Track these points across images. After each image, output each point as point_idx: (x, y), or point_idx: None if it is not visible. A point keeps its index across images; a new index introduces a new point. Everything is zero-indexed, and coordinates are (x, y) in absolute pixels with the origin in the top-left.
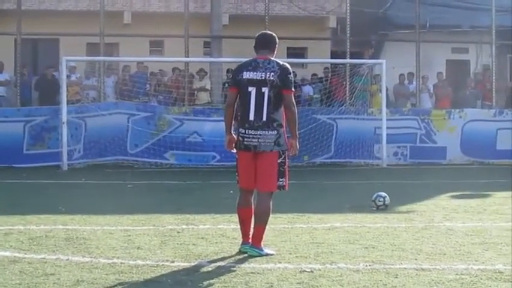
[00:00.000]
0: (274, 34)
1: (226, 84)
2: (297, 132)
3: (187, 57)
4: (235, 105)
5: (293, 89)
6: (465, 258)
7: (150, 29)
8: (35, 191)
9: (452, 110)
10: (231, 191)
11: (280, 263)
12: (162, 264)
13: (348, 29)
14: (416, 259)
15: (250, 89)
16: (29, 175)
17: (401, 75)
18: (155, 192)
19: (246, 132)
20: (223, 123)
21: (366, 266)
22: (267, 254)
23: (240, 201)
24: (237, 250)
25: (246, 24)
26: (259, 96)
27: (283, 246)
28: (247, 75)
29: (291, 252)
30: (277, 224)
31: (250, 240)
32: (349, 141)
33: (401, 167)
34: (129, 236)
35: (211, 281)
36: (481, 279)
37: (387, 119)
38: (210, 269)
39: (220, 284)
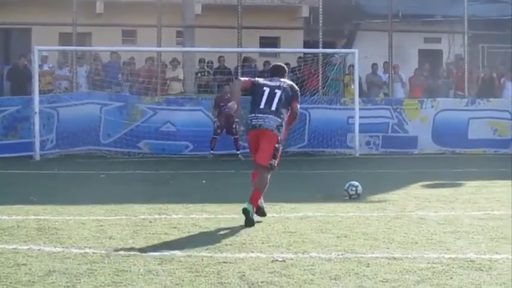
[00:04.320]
0: (285, 66)
1: (199, 74)
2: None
3: (160, 46)
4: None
5: (298, 98)
6: (437, 247)
7: (123, 18)
8: (6, 181)
9: (425, 100)
10: (204, 181)
11: (252, 252)
12: (134, 254)
13: (321, 18)
14: (388, 248)
15: (264, 88)
16: (0, 165)
17: (374, 64)
18: (128, 182)
19: (255, 115)
20: (196, 113)
21: (338, 255)
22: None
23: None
24: (209, 239)
25: (219, 13)
26: (272, 93)
27: (255, 236)
28: (264, 82)
29: (263, 242)
30: None
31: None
32: (322, 130)
33: (374, 157)
34: (101, 226)
35: (183, 271)
36: (453, 267)
37: (360, 109)
38: (182, 258)
39: (192, 273)
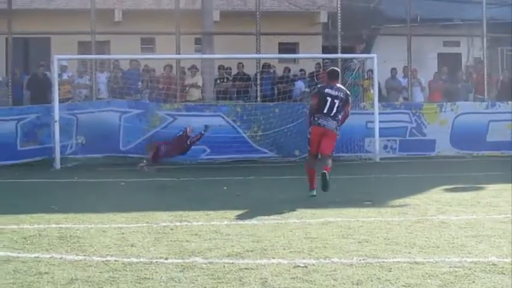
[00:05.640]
0: (338, 69)
1: (218, 80)
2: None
3: (179, 54)
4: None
5: (351, 103)
6: (459, 251)
7: (141, 26)
8: (27, 190)
9: (444, 103)
10: (225, 187)
11: (274, 258)
12: (156, 262)
13: (339, 23)
14: (409, 253)
15: (327, 98)
16: (21, 174)
17: (393, 69)
18: (148, 189)
19: (320, 117)
20: (215, 119)
21: (360, 260)
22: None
23: (309, 163)
24: (230, 245)
25: (237, 20)
26: (332, 103)
27: (276, 242)
28: (327, 91)
29: (285, 248)
30: (270, 219)
31: (315, 187)
32: (340, 135)
33: (393, 161)
34: (123, 233)
35: (205, 278)
36: (475, 271)
37: (379, 113)
38: (203, 265)
39: (214, 280)
